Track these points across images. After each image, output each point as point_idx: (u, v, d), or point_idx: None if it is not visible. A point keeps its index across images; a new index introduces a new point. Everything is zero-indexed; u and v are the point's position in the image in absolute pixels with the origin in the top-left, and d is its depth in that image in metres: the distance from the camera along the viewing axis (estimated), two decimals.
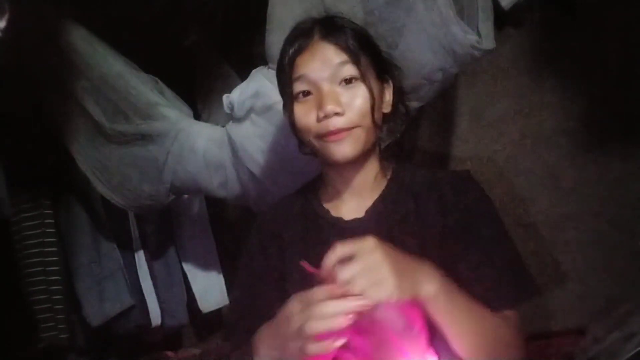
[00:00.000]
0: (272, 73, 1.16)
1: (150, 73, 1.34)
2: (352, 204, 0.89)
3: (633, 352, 1.01)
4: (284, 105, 0.89)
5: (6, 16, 1.00)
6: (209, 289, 1.71)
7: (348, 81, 0.82)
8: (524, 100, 1.50)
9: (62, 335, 1.51)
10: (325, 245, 0.69)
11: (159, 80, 1.35)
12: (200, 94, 1.59)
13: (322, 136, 0.82)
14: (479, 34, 1.06)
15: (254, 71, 1.23)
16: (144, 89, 1.30)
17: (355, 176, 0.88)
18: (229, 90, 1.25)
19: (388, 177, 0.91)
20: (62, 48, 1.25)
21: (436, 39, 1.04)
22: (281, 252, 0.90)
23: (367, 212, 0.87)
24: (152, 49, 1.41)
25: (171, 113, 1.31)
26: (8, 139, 1.42)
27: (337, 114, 0.80)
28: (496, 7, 1.16)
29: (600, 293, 1.43)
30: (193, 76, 1.60)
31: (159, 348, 1.73)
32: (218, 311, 1.73)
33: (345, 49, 0.82)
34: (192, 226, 1.73)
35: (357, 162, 0.85)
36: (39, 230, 1.51)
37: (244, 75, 1.28)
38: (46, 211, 1.52)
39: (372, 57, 0.86)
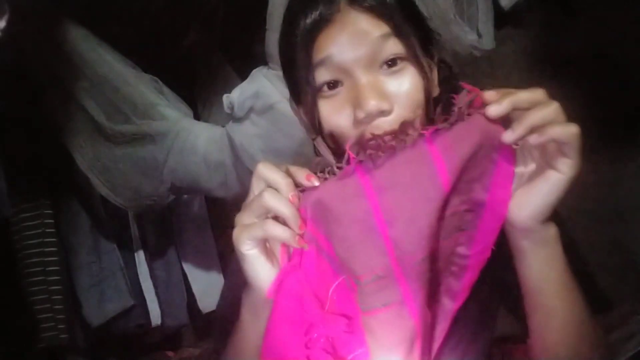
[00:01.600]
0: (272, 73, 1.16)
1: (150, 73, 1.34)
2: None
3: (633, 352, 1.01)
4: (298, 101, 0.66)
5: (6, 16, 0.99)
6: (209, 289, 1.71)
7: (392, 63, 0.60)
8: None
9: (62, 335, 1.50)
10: None
11: (159, 80, 1.34)
12: (200, 94, 1.59)
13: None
14: (479, 34, 1.06)
15: (254, 71, 1.23)
16: (144, 89, 1.30)
17: None
18: (229, 90, 1.25)
19: None
20: (62, 48, 1.25)
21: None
22: None
23: None
24: (152, 49, 1.41)
25: (171, 113, 1.31)
26: (8, 139, 1.42)
27: (382, 112, 0.58)
28: (496, 7, 1.16)
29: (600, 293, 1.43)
30: (193, 76, 1.60)
31: (159, 348, 1.73)
32: None
33: (385, 16, 0.59)
34: (192, 226, 1.73)
35: None
36: (39, 230, 1.50)
37: (244, 75, 1.28)
38: (46, 211, 1.52)
39: (415, 23, 0.62)
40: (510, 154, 0.52)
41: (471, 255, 0.55)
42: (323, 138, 0.64)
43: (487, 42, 1.08)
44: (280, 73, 1.13)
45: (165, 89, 1.35)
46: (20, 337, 1.54)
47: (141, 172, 1.35)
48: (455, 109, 0.52)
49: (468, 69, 1.48)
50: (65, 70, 1.28)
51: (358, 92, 0.58)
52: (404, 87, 0.59)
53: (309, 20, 0.60)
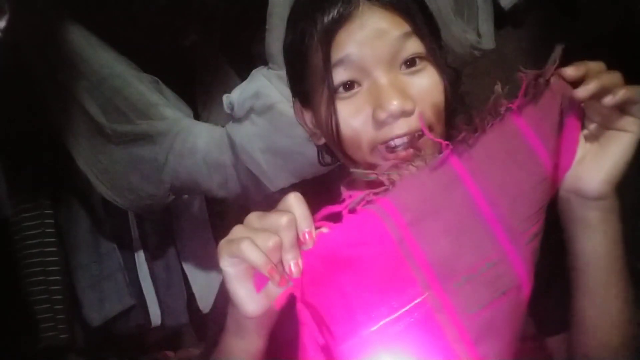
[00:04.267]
0: (272, 73, 1.16)
1: (150, 73, 1.34)
2: None
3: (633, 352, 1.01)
4: (307, 105, 0.64)
5: (6, 16, 0.99)
6: (209, 289, 1.71)
7: (410, 63, 0.58)
8: None
9: (62, 335, 1.51)
10: None
11: (159, 80, 1.35)
12: (200, 94, 1.59)
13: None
14: (479, 34, 1.06)
15: (254, 71, 1.23)
16: (144, 89, 1.30)
17: None
18: (229, 90, 1.25)
19: None
20: (62, 48, 1.25)
21: None
22: None
23: None
24: (152, 49, 1.41)
25: (171, 113, 1.31)
26: (8, 139, 1.42)
27: (404, 112, 0.56)
28: (496, 7, 1.16)
29: None
30: (193, 76, 1.60)
31: (159, 348, 1.73)
32: None
33: (405, 14, 0.57)
34: (192, 226, 1.73)
35: None
36: (39, 230, 1.50)
37: (244, 75, 1.28)
38: (46, 211, 1.52)
39: (431, 24, 0.62)
40: (578, 118, 0.53)
41: None
42: (334, 143, 0.60)
43: (487, 42, 1.08)
44: (281, 73, 1.14)
45: (165, 89, 1.35)
46: (20, 337, 1.54)
47: (141, 172, 1.35)
48: (541, 80, 0.52)
49: (468, 69, 1.48)
50: (65, 70, 1.28)
51: (379, 92, 0.56)
52: (425, 86, 0.57)
53: (327, 19, 0.57)
